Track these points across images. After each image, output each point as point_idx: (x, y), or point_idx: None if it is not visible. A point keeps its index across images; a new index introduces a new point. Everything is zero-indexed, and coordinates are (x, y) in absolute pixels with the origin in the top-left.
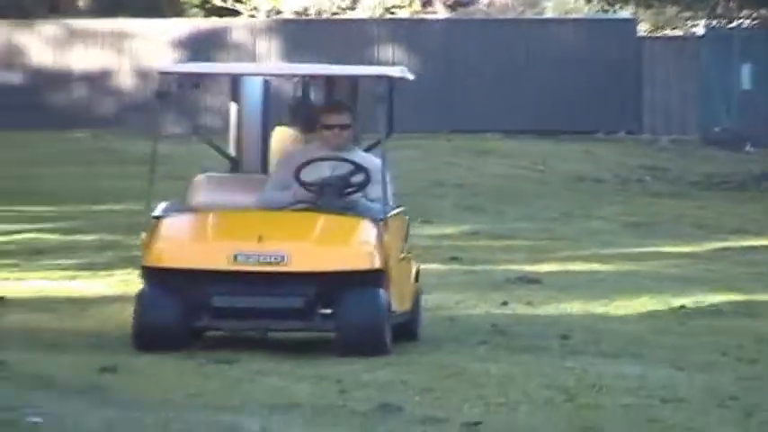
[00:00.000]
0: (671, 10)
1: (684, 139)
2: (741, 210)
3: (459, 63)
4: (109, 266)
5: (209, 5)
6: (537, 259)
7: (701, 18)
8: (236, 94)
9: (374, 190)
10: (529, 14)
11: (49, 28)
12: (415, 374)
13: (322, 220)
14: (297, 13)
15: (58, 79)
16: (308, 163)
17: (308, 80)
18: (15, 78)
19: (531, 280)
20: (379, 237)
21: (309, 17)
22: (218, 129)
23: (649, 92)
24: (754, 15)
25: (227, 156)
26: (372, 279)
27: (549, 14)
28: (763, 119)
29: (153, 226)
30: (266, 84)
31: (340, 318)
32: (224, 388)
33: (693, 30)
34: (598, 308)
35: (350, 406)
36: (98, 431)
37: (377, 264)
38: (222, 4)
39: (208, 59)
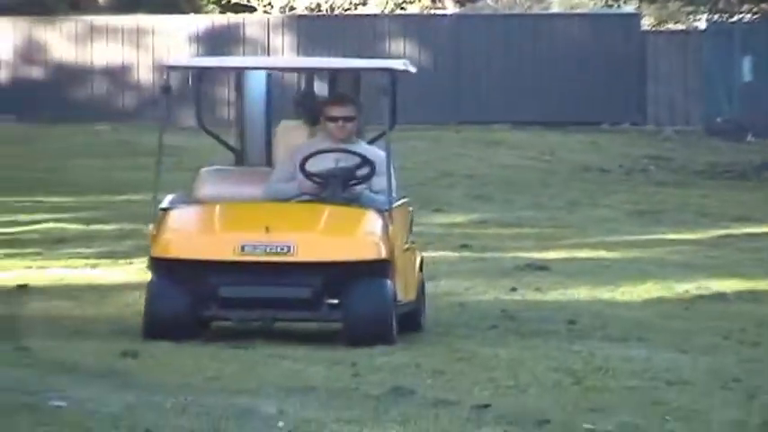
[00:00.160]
0: (674, 5)
1: (688, 130)
2: (743, 198)
3: (467, 57)
4: (128, 255)
5: (224, 2)
6: (544, 246)
7: (703, 12)
8: (239, 88)
9: (378, 181)
10: (535, 10)
11: (71, 24)
12: (428, 358)
13: (328, 211)
14: (310, 8)
15: (79, 74)
16: (312, 155)
17: (312, 73)
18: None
19: (539, 267)
20: (385, 227)
21: (322, 13)
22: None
23: (653, 84)
24: (755, 9)
25: (231, 148)
26: (378, 269)
27: (554, 10)
28: (764, 110)
29: (160, 217)
30: (269, 77)
31: (347, 308)
32: (241, 372)
33: (695, 24)
34: (604, 293)
35: (363, 389)
36: (119, 414)
37: (383, 254)
38: (237, 1)
39: (223, 54)
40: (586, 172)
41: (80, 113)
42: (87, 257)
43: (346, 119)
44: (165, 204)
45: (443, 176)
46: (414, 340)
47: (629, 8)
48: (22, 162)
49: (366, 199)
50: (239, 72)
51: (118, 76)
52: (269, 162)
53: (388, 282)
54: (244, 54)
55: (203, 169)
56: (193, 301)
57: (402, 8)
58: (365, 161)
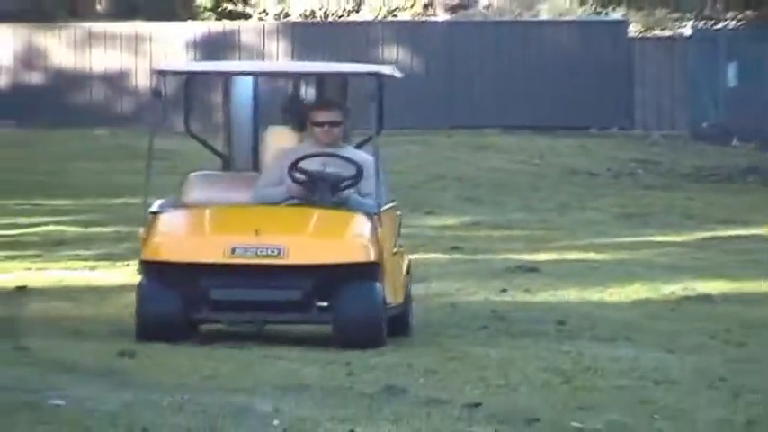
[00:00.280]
0: (660, 12)
1: (674, 135)
2: (729, 201)
3: (459, 63)
4: (126, 257)
5: (220, 9)
6: (534, 248)
7: (689, 19)
8: (226, 93)
9: (366, 185)
10: (525, 17)
11: (70, 31)
12: (420, 358)
13: (317, 215)
14: (304, 15)
15: (78, 80)
16: (300, 159)
17: (299, 79)
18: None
19: (529, 268)
20: (374, 230)
21: (316, 19)
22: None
23: (640, 89)
24: (740, 17)
25: (218, 153)
26: (368, 272)
27: (544, 17)
28: (748, 114)
29: (150, 221)
30: (256, 82)
31: (337, 310)
32: (237, 371)
33: (681, 31)
34: (593, 295)
35: (357, 388)
36: (117, 413)
37: (372, 257)
38: (233, 8)
39: (219, 60)
40: (575, 175)
41: (79, 118)
42: (86, 259)
43: (332, 123)
44: (155, 208)
45: (435, 179)
46: (406, 341)
47: (617, 15)
48: (23, 166)
49: (354, 202)
50: (226, 77)
51: (116, 81)
52: (256, 167)
53: (378, 284)
54: (240, 60)
55: (191, 174)
56: (184, 304)
57: (394, 15)
58: (353, 166)
